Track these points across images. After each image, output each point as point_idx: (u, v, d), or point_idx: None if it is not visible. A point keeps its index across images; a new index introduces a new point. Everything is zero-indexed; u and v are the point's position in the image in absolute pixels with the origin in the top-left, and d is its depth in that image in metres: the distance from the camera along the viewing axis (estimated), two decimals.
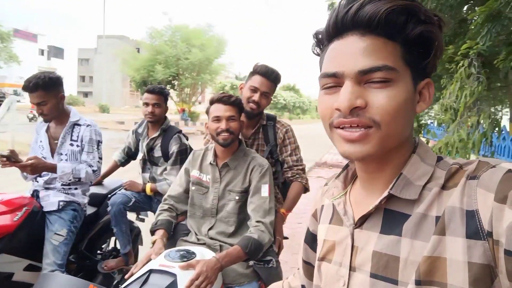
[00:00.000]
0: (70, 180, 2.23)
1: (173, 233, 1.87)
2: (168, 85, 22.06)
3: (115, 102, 47.63)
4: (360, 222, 0.65)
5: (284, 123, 2.18)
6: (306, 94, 64.00)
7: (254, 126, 2.10)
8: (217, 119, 1.72)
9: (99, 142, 2.36)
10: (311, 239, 0.85)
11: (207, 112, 1.80)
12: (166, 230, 1.72)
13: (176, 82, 22.60)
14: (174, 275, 1.38)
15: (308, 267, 0.86)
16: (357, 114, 0.56)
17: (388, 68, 0.56)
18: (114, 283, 2.69)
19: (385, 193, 0.61)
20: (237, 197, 1.76)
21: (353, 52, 0.57)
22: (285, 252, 2.42)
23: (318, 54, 0.69)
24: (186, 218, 1.92)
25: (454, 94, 2.82)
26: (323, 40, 0.65)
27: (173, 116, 25.17)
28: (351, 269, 0.64)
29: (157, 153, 2.59)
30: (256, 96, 1.96)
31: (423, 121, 6.40)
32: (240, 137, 2.03)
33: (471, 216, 0.52)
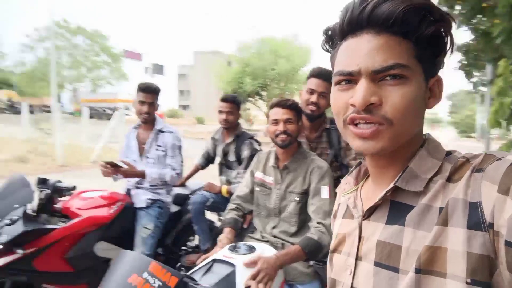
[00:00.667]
0: (158, 183, 2.56)
1: (241, 229, 2.02)
2: (256, 96, 22.82)
3: (210, 114, 50.71)
4: (368, 214, 0.68)
5: None
6: None
7: (317, 129, 2.14)
8: (275, 122, 1.82)
9: (180, 147, 2.67)
10: None
11: (267, 116, 1.91)
12: (233, 228, 1.86)
13: (265, 93, 23.29)
14: (233, 265, 1.50)
15: None
16: (371, 111, 0.58)
17: (403, 66, 0.58)
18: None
19: (391, 185, 0.63)
20: (297, 198, 1.83)
21: (368, 50, 0.59)
22: None
23: (327, 50, 0.71)
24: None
25: None
26: (335, 37, 0.67)
27: (262, 126, 25.90)
28: (358, 258, 0.67)
29: (232, 157, 2.78)
30: (313, 98, 2.02)
31: None
32: (302, 139, 2.11)
33: (474, 208, 0.53)
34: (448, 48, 0.61)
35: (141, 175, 2.51)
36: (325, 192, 1.78)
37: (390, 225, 0.62)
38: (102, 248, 2.31)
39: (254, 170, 2.03)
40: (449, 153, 0.64)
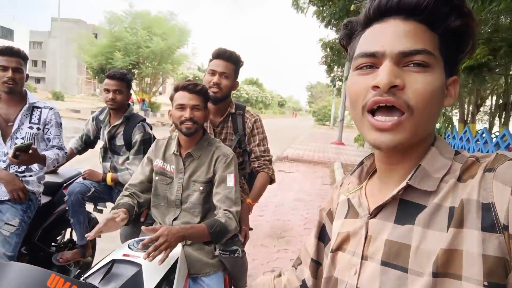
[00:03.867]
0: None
1: (137, 223, 1.83)
2: None
3: (69, 89, 45.41)
4: (375, 212, 0.66)
5: (253, 113, 2.18)
6: (269, 88, 64.51)
7: (222, 113, 2.07)
8: (181, 107, 1.68)
9: (61, 125, 2.34)
10: (326, 238, 0.84)
11: (171, 98, 1.75)
12: (127, 210, 1.63)
13: (136, 71, 21.83)
14: (139, 265, 1.34)
15: (316, 266, 0.84)
16: (394, 93, 0.56)
17: (428, 53, 0.57)
18: (71, 276, 2.58)
19: (403, 184, 0.61)
20: (201, 188, 1.74)
21: (395, 33, 0.58)
22: (247, 244, 2.43)
23: (344, 46, 0.69)
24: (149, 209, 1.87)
25: None
26: (357, 27, 0.66)
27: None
28: (363, 258, 0.64)
29: (119, 141, 2.49)
30: (215, 78, 1.95)
31: None
32: (207, 124, 2.01)
33: (487, 209, 0.52)
34: (468, 48, 0.61)
35: (43, 160, 2.10)
36: (231, 180, 1.73)
37: (399, 225, 0.61)
38: None
39: (153, 158, 1.85)
40: (457, 152, 0.64)
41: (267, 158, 2.14)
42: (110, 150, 2.55)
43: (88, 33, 25.67)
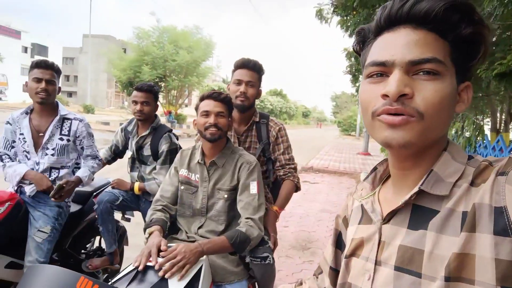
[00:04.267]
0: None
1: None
2: None
3: (100, 102, 47.04)
4: (388, 218, 0.66)
5: (277, 121, 2.19)
6: (293, 99, 64.60)
7: (247, 122, 2.10)
8: (206, 114, 1.72)
9: (92, 135, 2.48)
10: (343, 245, 0.84)
11: (197, 108, 1.80)
12: (161, 227, 1.67)
13: (163, 84, 22.37)
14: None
15: (335, 274, 0.84)
16: (403, 102, 0.57)
17: (438, 61, 0.57)
18: None
19: (416, 189, 0.61)
20: (226, 195, 1.76)
21: (405, 43, 0.59)
22: None
23: (357, 52, 0.71)
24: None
25: None
26: (369, 34, 0.67)
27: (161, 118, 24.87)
28: (377, 263, 0.65)
29: (147, 151, 2.56)
30: (241, 88, 1.99)
31: None
32: (232, 133, 2.04)
33: (500, 213, 0.52)
34: (480, 55, 0.61)
35: (79, 182, 2.29)
36: (254, 187, 1.74)
37: (413, 230, 0.61)
38: None
39: (179, 168, 1.88)
40: (470, 157, 0.64)
41: (292, 166, 2.15)
42: (138, 160, 2.62)
43: (118, 48, 26.54)
